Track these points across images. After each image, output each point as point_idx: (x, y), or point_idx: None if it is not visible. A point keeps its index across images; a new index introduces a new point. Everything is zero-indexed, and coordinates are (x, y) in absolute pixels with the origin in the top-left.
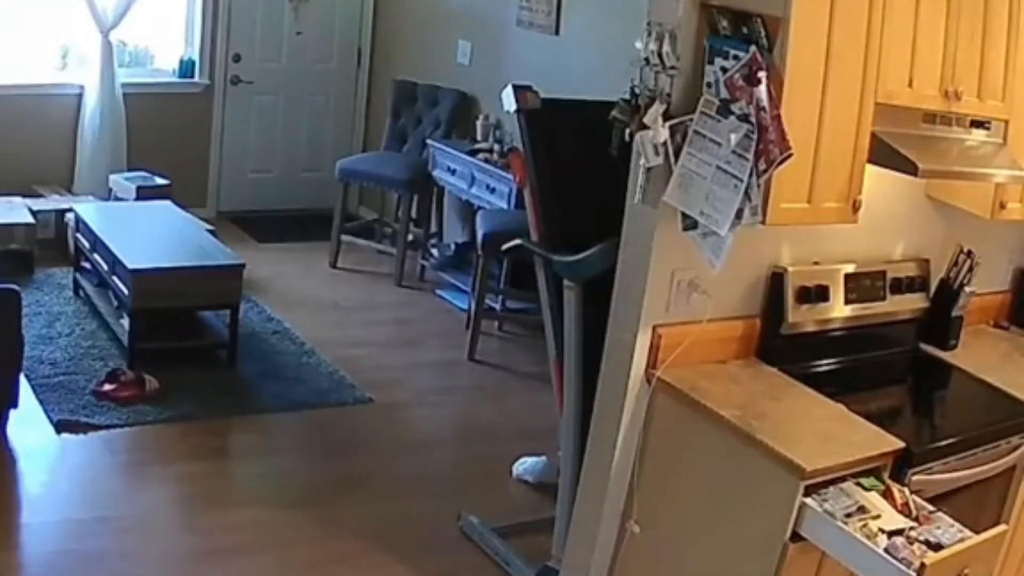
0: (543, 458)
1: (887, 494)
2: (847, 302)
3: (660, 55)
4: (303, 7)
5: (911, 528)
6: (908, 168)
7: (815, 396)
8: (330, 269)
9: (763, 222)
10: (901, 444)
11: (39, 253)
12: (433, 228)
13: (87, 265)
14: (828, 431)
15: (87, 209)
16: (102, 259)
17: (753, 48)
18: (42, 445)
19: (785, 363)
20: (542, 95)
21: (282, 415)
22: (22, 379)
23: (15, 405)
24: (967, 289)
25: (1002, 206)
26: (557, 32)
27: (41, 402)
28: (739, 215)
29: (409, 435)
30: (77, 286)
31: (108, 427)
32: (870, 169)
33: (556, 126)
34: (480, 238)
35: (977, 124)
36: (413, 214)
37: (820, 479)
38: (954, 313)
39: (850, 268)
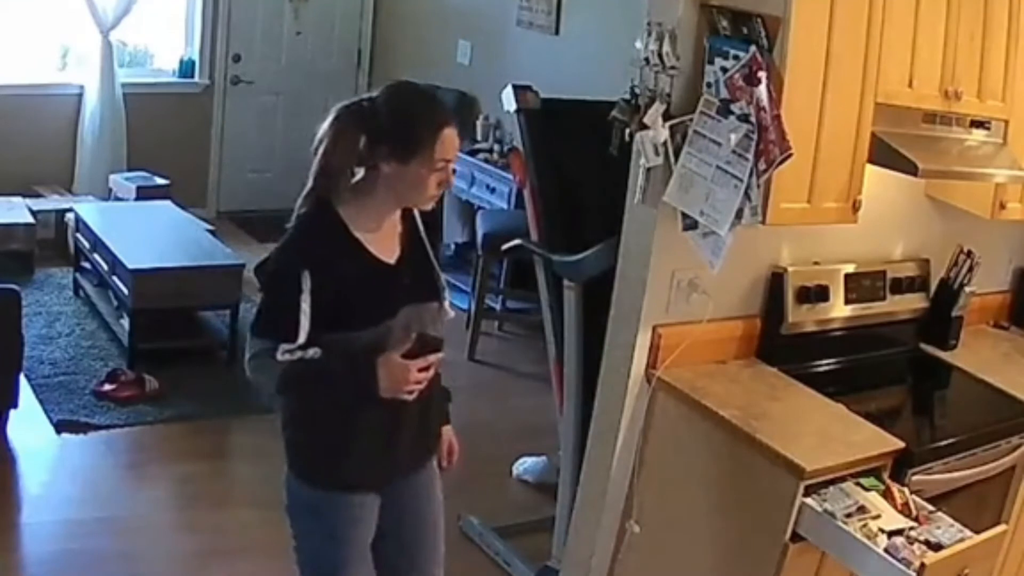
0: (543, 458)
1: (887, 494)
2: (847, 302)
3: (660, 55)
4: (303, 7)
5: (911, 528)
6: (908, 168)
7: (815, 396)
8: None
9: (763, 222)
10: (901, 444)
11: (39, 253)
12: None
13: (87, 265)
14: (828, 431)
15: (87, 209)
16: (102, 259)
17: (753, 48)
18: (42, 445)
19: (785, 363)
20: (542, 95)
21: None
22: (22, 379)
23: (15, 405)
24: (967, 289)
25: (1002, 206)
26: (557, 32)
27: (41, 402)
28: (739, 215)
29: None
30: (77, 286)
31: (108, 427)
32: (870, 169)
33: (556, 126)
34: (480, 238)
35: (977, 124)
36: None
37: (820, 479)
38: (954, 313)
39: (850, 268)
